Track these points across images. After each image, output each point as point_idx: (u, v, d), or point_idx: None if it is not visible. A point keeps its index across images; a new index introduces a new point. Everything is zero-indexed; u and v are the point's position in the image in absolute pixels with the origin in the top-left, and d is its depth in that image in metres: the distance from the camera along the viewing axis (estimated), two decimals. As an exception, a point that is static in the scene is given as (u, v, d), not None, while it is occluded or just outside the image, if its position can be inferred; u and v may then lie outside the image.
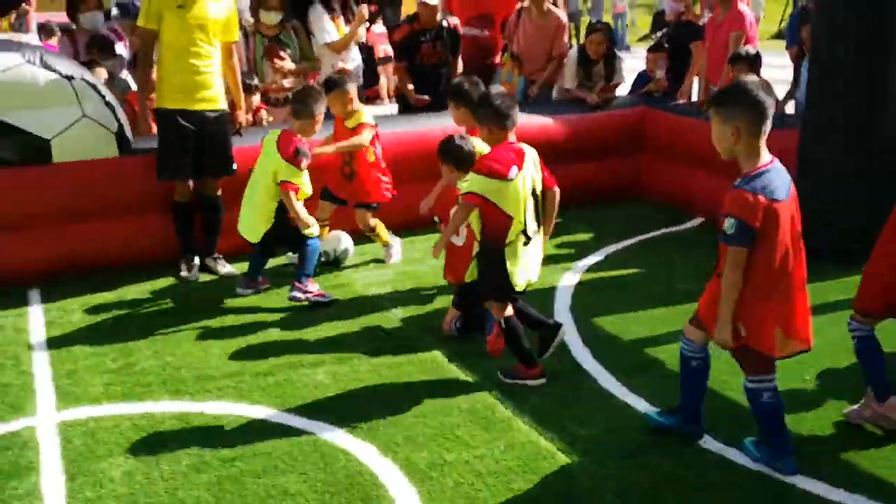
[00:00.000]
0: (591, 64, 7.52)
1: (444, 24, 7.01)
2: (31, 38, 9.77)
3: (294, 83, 6.61)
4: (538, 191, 4.22)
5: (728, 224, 3.26)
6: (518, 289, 4.19)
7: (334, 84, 5.60)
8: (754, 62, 6.57)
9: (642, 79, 8.04)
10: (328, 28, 6.89)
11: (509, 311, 4.25)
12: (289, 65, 6.64)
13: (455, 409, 4.03)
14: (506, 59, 7.78)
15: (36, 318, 5.13)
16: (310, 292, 5.22)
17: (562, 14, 7.75)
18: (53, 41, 9.83)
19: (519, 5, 7.87)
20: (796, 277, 3.36)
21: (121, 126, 5.67)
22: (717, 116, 3.33)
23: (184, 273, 5.72)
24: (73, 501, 3.38)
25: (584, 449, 3.68)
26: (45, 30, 10.16)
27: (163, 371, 4.47)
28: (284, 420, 3.97)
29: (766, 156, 3.33)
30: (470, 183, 4.15)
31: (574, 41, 10.18)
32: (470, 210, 4.16)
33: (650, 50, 8.06)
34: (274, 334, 4.90)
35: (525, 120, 6.89)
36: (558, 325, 4.46)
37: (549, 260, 6.01)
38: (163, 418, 4.01)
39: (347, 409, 4.04)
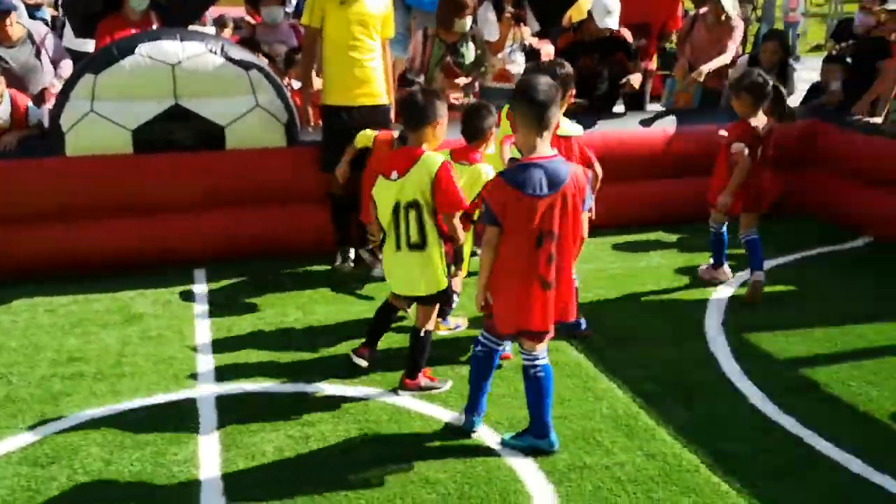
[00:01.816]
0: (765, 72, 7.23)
1: (608, 34, 6.88)
2: (209, 30, 10.36)
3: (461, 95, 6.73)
4: (409, 201, 3.98)
5: (483, 205, 3.52)
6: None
7: None
8: None
9: (815, 90, 7.66)
10: (492, 27, 6.94)
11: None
12: (463, 81, 6.75)
13: (598, 414, 3.99)
14: (680, 67, 7.58)
15: (200, 296, 5.45)
16: None
17: (739, 21, 7.48)
18: (226, 33, 10.40)
19: (693, 13, 7.68)
20: (539, 271, 3.46)
21: (291, 117, 5.93)
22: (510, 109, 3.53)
23: (338, 263, 5.93)
24: (226, 471, 3.57)
25: (730, 466, 3.55)
26: (219, 23, 10.75)
27: (317, 354, 4.64)
28: (430, 411, 4.04)
29: (543, 150, 3.42)
30: None
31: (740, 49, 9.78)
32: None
33: (826, 61, 7.64)
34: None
35: (685, 129, 6.76)
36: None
37: (702, 271, 5.89)
38: (315, 399, 4.16)
39: (491, 407, 4.05)
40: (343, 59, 5.61)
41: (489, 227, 3.48)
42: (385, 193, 4.04)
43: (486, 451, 3.69)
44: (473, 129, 4.55)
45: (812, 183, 7.21)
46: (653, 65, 7.89)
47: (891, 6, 6.72)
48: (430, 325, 4.20)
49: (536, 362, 3.61)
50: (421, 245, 4.03)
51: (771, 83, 5.37)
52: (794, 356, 4.61)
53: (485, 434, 3.82)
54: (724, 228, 5.67)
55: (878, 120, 6.80)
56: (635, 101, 7.62)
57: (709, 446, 3.71)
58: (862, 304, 5.34)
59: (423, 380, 4.24)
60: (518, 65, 7.09)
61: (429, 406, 4.09)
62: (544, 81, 3.43)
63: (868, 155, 6.61)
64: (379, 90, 5.74)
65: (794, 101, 7.64)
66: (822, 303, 5.34)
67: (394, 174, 4.00)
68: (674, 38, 7.72)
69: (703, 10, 7.46)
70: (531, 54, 7.44)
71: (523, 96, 3.41)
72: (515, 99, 3.47)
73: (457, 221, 4.08)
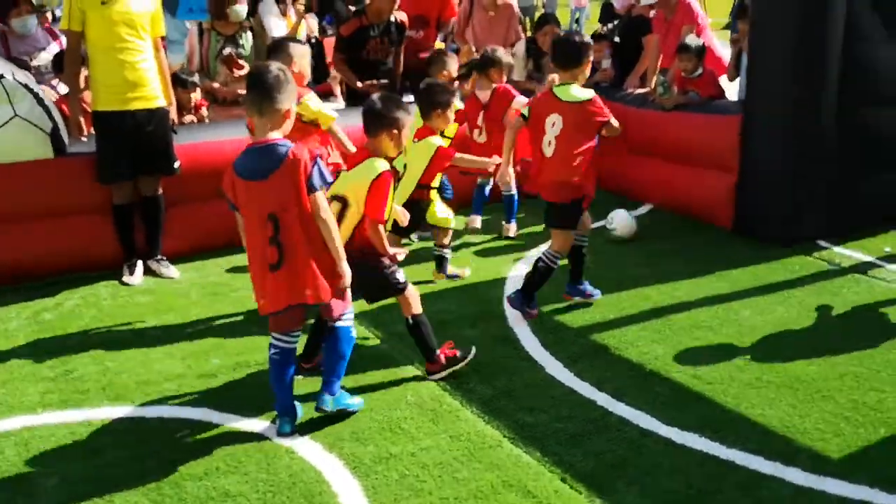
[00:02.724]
0: (541, 56, 7.51)
1: (393, 18, 6.96)
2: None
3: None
4: (340, 195, 3.97)
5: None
6: None
7: None
8: (700, 52, 6.65)
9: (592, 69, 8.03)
10: (275, 23, 6.80)
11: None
12: (245, 72, 6.60)
13: (402, 402, 3.97)
14: (465, 53, 7.73)
15: (-30, 328, 4.97)
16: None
17: (513, 2, 7.77)
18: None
19: None
20: (265, 252, 3.55)
21: (56, 127, 5.50)
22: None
23: (126, 277, 5.59)
24: (3, 513, 3.27)
25: (530, 436, 3.64)
26: None
27: (102, 377, 4.34)
28: (228, 422, 3.87)
29: (263, 134, 3.51)
30: None
31: (526, 34, 10.16)
32: None
33: (593, 41, 8.06)
34: (219, 336, 4.78)
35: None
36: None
37: (500, 251, 6.05)
38: (101, 425, 3.88)
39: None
40: (111, 63, 5.28)
41: (234, 212, 3.65)
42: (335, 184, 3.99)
43: (290, 457, 3.57)
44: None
45: (596, 157, 7.55)
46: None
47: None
48: (415, 310, 4.13)
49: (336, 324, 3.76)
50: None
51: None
52: (587, 323, 4.80)
53: (291, 440, 3.69)
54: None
55: (649, 89, 7.23)
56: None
57: (510, 420, 3.78)
58: (647, 267, 5.64)
59: (443, 357, 4.17)
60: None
61: (222, 416, 3.91)
62: (274, 67, 3.52)
63: (641, 127, 6.99)
64: (154, 92, 5.45)
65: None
66: (612, 270, 5.59)
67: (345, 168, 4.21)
68: (452, 24, 7.86)
69: None
70: (317, 48, 7.37)
71: (250, 81, 3.55)
72: (247, 84, 3.59)
73: (380, 231, 3.97)
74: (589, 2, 23.32)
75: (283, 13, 6.90)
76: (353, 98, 7.05)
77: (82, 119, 5.63)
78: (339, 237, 3.61)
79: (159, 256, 5.75)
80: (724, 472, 3.35)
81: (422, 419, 3.82)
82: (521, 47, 7.63)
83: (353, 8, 7.64)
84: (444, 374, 4.16)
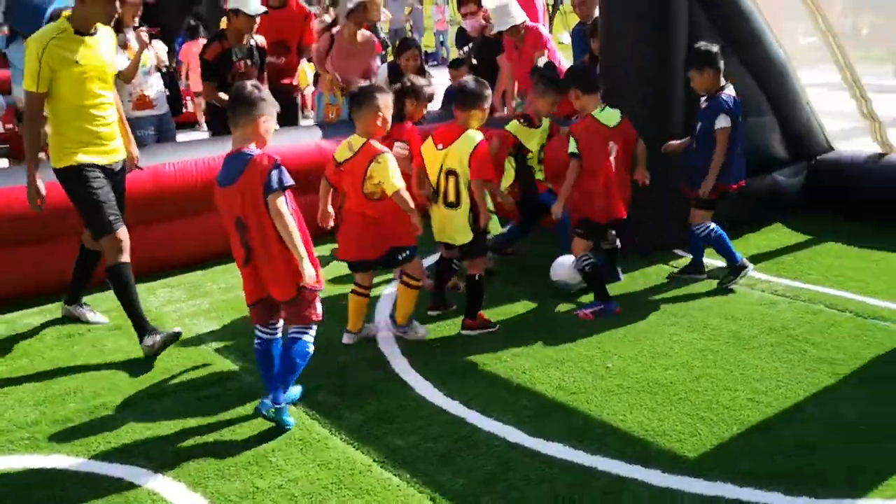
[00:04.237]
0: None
1: (253, 42, 6.93)
2: None
3: None
4: (449, 169, 4.74)
5: None
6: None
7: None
8: (554, 71, 6.85)
9: (450, 94, 8.15)
10: (118, 57, 6.59)
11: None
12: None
13: (270, 434, 3.89)
14: (328, 82, 7.73)
15: None
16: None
17: (372, 35, 7.88)
18: None
19: (317, 27, 7.87)
20: (237, 251, 3.88)
21: None
22: None
23: (90, 314, 5.38)
24: None
25: (400, 459, 3.63)
26: None
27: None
28: (85, 468, 3.70)
29: (234, 145, 3.81)
30: None
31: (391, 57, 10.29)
32: None
33: (451, 66, 8.19)
34: (76, 379, 4.57)
35: (339, 140, 6.87)
36: None
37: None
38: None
39: (155, 449, 3.82)
40: (86, 120, 4.81)
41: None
42: (431, 158, 4.83)
43: (152, 499, 3.44)
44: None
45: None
46: (296, 80, 7.99)
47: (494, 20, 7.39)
48: (480, 272, 4.92)
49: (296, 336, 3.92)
50: (455, 204, 4.76)
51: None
52: (456, 342, 4.85)
53: (153, 482, 3.57)
54: None
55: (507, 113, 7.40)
56: (288, 116, 7.64)
57: (380, 444, 3.77)
58: (516, 284, 5.74)
59: (482, 317, 4.95)
60: (155, 88, 6.80)
61: (80, 462, 3.74)
62: (249, 84, 3.83)
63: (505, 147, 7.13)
64: (120, 144, 5.05)
65: (433, 106, 8.09)
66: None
67: (440, 145, 4.79)
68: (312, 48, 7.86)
69: (335, 30, 7.71)
70: (169, 77, 7.21)
71: (230, 98, 3.88)
72: (228, 100, 3.91)
73: (484, 190, 4.78)
74: (449, 26, 23.74)
75: (124, 45, 6.63)
76: (220, 124, 6.89)
77: (41, 185, 4.88)
78: (298, 236, 3.71)
79: (83, 302, 5.45)
80: (587, 480, 3.43)
81: (290, 450, 3.76)
82: (383, 71, 7.69)
83: (192, 22, 7.55)
84: (476, 332, 4.89)
